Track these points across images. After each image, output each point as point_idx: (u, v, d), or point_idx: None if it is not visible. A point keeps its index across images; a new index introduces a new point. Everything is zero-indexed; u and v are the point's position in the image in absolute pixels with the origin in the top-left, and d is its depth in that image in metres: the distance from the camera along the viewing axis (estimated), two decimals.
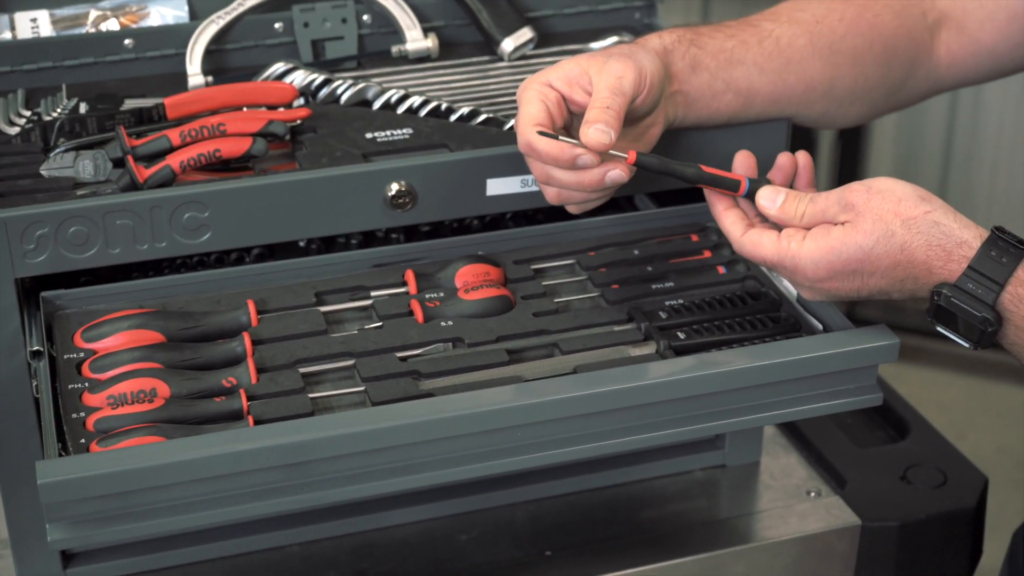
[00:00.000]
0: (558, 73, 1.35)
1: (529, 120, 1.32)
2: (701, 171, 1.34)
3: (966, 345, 1.28)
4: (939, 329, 1.28)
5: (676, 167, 1.33)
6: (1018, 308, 1.24)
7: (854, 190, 1.27)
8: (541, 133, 1.30)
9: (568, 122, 1.36)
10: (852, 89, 1.52)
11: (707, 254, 1.48)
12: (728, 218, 1.34)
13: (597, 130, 1.29)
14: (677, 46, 1.43)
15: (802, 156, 1.40)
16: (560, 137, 1.30)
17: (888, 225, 1.25)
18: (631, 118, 1.36)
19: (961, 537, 1.59)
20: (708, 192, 1.35)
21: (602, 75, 1.33)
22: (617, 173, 1.31)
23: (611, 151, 1.30)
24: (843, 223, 1.27)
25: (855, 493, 1.59)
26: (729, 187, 1.34)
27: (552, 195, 1.35)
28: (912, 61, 1.54)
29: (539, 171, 1.34)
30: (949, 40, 1.55)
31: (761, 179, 1.35)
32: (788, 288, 1.41)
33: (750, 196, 1.34)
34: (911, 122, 3.89)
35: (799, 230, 1.29)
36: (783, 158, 1.39)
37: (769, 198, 1.32)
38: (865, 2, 1.52)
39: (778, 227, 1.32)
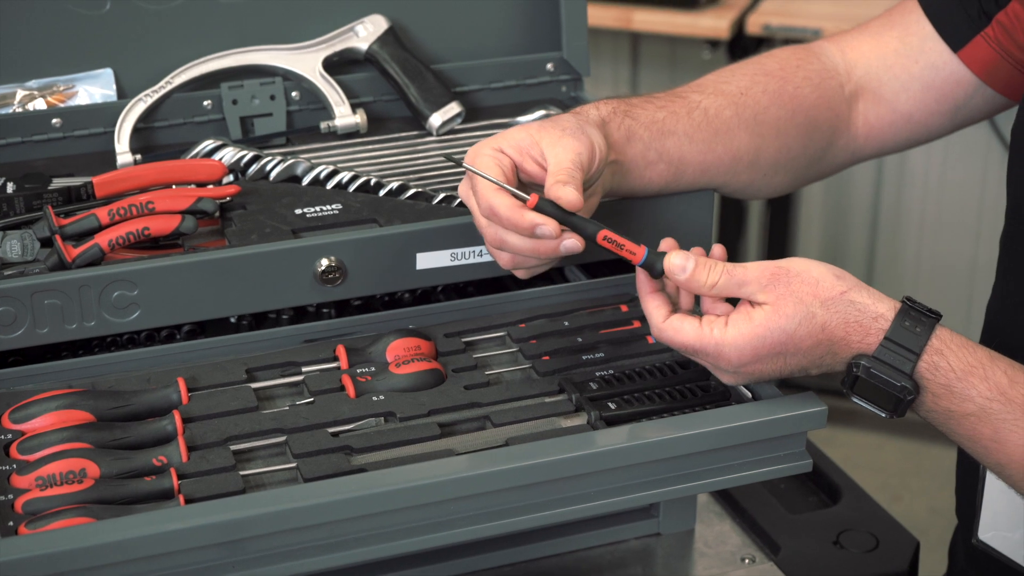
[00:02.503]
0: (509, 141, 1.36)
1: (489, 183, 1.32)
2: (600, 227, 1.33)
3: (883, 415, 1.30)
4: (855, 400, 1.30)
5: (577, 221, 1.32)
6: (934, 376, 1.27)
7: (773, 273, 1.29)
8: (505, 187, 1.31)
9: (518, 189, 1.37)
10: (776, 159, 1.54)
11: (636, 324, 1.49)
12: (652, 302, 1.34)
13: (570, 189, 1.30)
14: (613, 117, 1.45)
15: (716, 248, 1.38)
16: (521, 194, 1.31)
17: (808, 307, 1.27)
18: None
19: None
20: (638, 273, 1.35)
21: (558, 148, 1.34)
22: (572, 243, 1.32)
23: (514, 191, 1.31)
24: (761, 304, 1.29)
25: (789, 559, 1.59)
26: (628, 251, 1.33)
27: (505, 260, 1.36)
28: (832, 131, 1.57)
29: (493, 237, 1.34)
30: (866, 111, 1.58)
31: (662, 254, 1.34)
32: None
33: (647, 267, 1.33)
34: (839, 190, 3.95)
35: (720, 317, 1.30)
36: (695, 250, 1.38)
37: (679, 264, 1.31)
38: (785, 75, 1.55)
39: (699, 315, 1.32)
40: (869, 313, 1.28)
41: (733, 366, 1.30)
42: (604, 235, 1.33)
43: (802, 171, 1.58)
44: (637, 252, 1.33)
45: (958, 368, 1.28)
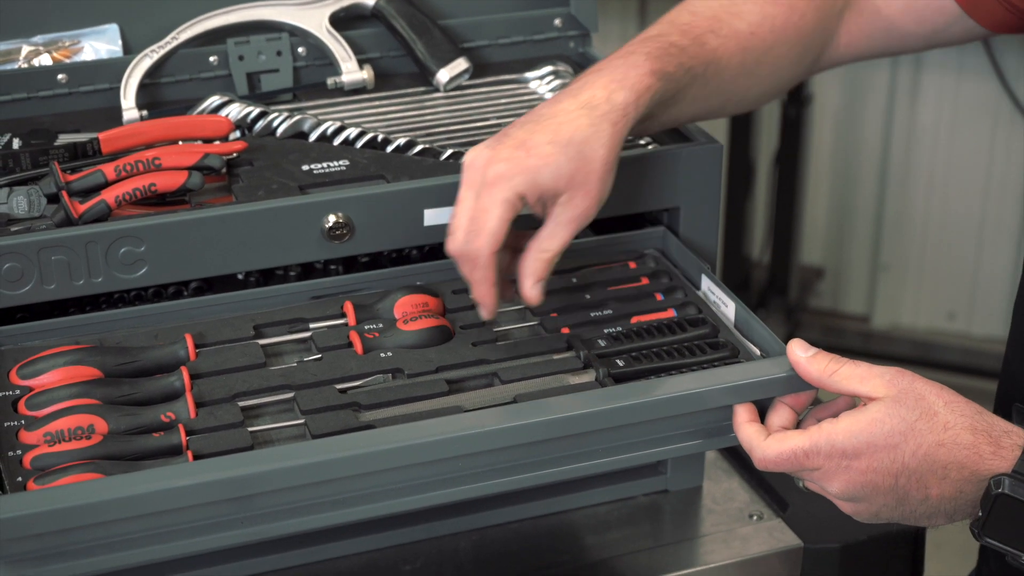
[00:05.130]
0: (537, 191, 1.30)
1: (494, 242, 1.29)
2: None
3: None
4: (989, 542, 1.19)
5: None
6: None
7: (897, 370, 1.22)
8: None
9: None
10: (763, 92, 1.55)
11: (645, 281, 1.48)
12: (750, 428, 1.27)
13: (536, 288, 1.33)
14: (648, 109, 1.38)
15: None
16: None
17: (931, 404, 1.20)
18: None
19: (902, 557, 1.60)
20: (735, 406, 1.29)
21: (566, 216, 1.31)
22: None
23: None
24: (880, 399, 1.21)
25: (797, 516, 1.59)
26: None
27: None
28: (821, 49, 1.56)
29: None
30: (849, 21, 1.56)
31: None
32: (727, 315, 1.42)
33: None
34: (847, 148, 3.94)
35: (829, 418, 1.23)
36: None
37: (801, 345, 1.26)
38: (793, 1, 1.52)
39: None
40: (999, 426, 1.19)
41: (847, 458, 1.20)
42: None
43: (785, 89, 1.59)
44: None
45: None
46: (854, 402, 1.25)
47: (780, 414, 1.28)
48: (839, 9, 1.55)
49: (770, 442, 1.24)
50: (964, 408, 1.20)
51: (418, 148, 1.55)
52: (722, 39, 1.48)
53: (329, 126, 1.57)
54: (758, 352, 1.37)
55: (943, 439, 1.19)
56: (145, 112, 1.60)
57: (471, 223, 1.29)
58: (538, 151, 1.31)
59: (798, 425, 1.28)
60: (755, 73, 1.51)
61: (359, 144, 1.55)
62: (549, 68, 1.72)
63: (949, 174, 3.86)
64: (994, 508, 1.17)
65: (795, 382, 1.27)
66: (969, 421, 1.19)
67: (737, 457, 1.69)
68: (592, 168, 1.32)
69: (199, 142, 1.53)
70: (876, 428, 1.19)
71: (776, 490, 1.62)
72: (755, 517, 1.60)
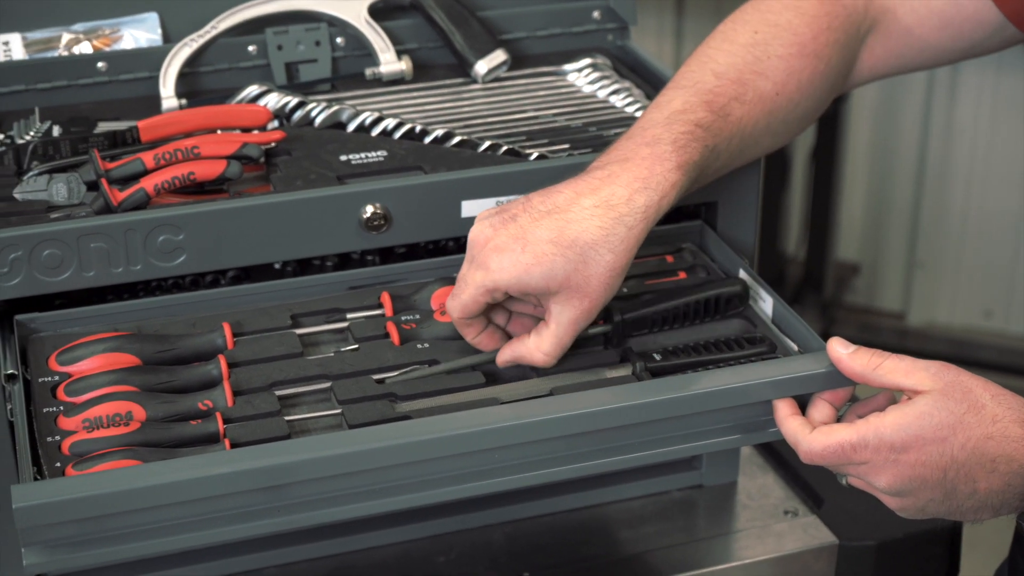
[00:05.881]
0: (521, 288, 1.28)
1: (461, 309, 1.31)
2: None
3: None
4: None
5: None
6: None
7: (941, 364, 1.22)
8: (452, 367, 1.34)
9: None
10: (787, 137, 1.50)
11: (682, 275, 1.48)
12: (793, 423, 1.26)
13: (512, 362, 1.33)
14: (667, 199, 1.31)
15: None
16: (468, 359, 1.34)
17: (978, 397, 1.19)
18: None
19: (938, 556, 1.59)
20: (775, 401, 1.28)
21: (564, 317, 1.29)
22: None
23: None
24: (927, 392, 1.20)
25: (832, 512, 1.59)
26: None
27: None
28: (844, 80, 1.52)
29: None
30: (874, 44, 1.50)
31: None
32: (764, 310, 1.41)
33: None
34: (885, 143, 3.92)
35: (875, 412, 1.23)
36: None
37: (841, 342, 1.25)
38: (817, 49, 1.45)
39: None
40: None
41: (896, 452, 1.20)
42: None
43: (804, 128, 1.54)
44: None
45: None
46: (894, 397, 1.25)
47: (820, 409, 1.27)
48: (862, 34, 1.51)
49: (816, 435, 1.23)
50: (1011, 401, 1.20)
51: (456, 139, 1.54)
52: (747, 106, 1.41)
53: (367, 117, 1.57)
54: (795, 348, 1.36)
55: (991, 432, 1.18)
56: (184, 101, 1.61)
57: (456, 285, 1.31)
58: (534, 249, 1.26)
59: (838, 421, 1.27)
60: (782, 131, 1.47)
61: (397, 135, 1.55)
62: (587, 61, 1.72)
63: (987, 171, 3.83)
64: None
65: (834, 378, 1.27)
66: (1017, 414, 1.19)
67: (772, 453, 1.68)
68: (593, 272, 1.27)
69: (238, 131, 1.53)
70: (924, 421, 1.19)
71: (812, 486, 1.62)
72: (790, 513, 1.60)
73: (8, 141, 1.51)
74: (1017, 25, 1.48)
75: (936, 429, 1.19)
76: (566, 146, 1.55)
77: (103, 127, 1.53)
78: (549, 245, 1.26)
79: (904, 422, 1.19)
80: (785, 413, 1.27)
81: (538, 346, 1.31)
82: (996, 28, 1.49)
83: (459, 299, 1.31)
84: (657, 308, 1.38)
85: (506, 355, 1.33)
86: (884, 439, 1.20)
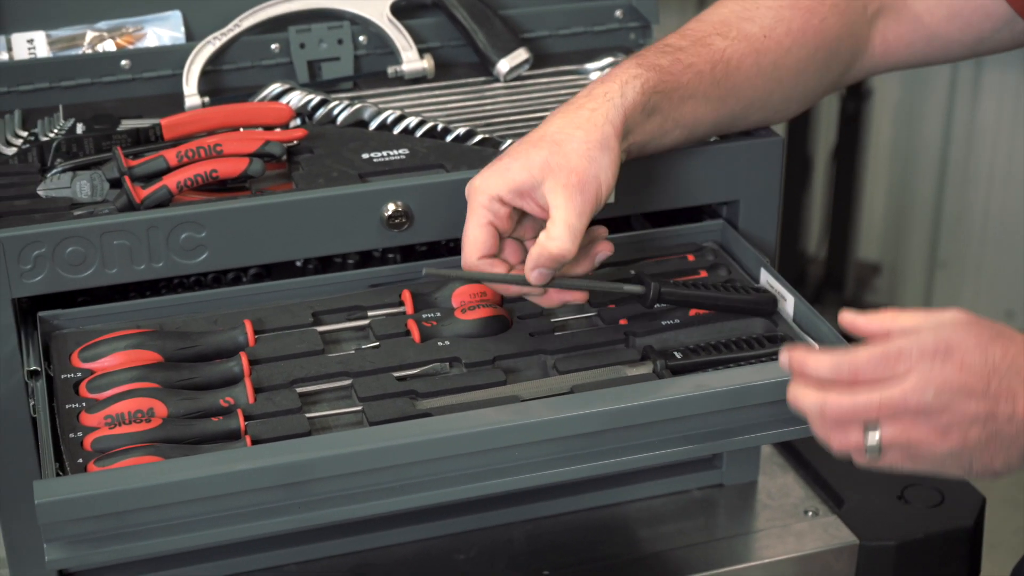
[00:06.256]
0: (508, 185, 1.32)
1: (474, 249, 1.33)
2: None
3: None
4: None
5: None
6: None
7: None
8: (477, 278, 1.34)
9: (518, 221, 1.36)
10: (789, 98, 1.50)
11: (703, 274, 1.48)
12: (822, 354, 1.19)
13: (539, 275, 1.31)
14: (639, 99, 1.38)
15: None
16: (497, 276, 1.33)
17: (1009, 328, 1.17)
18: None
19: (959, 556, 1.59)
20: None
21: (561, 206, 1.30)
22: (576, 297, 1.35)
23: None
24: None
25: (853, 512, 1.59)
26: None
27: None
28: (851, 57, 1.52)
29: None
30: (886, 29, 1.52)
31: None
32: (785, 309, 1.41)
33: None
34: (906, 143, 3.90)
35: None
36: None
37: (852, 311, 1.21)
38: (812, 6, 1.49)
39: None
40: None
41: (939, 357, 1.14)
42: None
43: (815, 98, 1.55)
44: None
45: None
46: None
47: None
48: (869, 16, 1.52)
49: (858, 350, 1.16)
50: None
51: (477, 138, 1.55)
52: (730, 40, 1.46)
53: (389, 115, 1.57)
54: (816, 346, 1.36)
55: (1003, 341, 1.15)
56: (207, 99, 1.61)
57: (462, 242, 1.34)
58: (509, 152, 1.34)
59: None
60: (775, 76, 1.48)
61: (419, 133, 1.56)
62: (609, 59, 1.72)
63: (1009, 171, 3.82)
64: None
65: None
66: None
67: (793, 452, 1.68)
68: (570, 149, 1.31)
69: (260, 129, 1.53)
70: (961, 329, 1.15)
71: (832, 486, 1.62)
72: (810, 513, 1.60)
73: (32, 138, 1.52)
74: (1021, 13, 1.48)
75: (976, 335, 1.15)
76: None
77: (126, 125, 1.54)
78: (521, 145, 1.35)
79: (942, 331, 1.14)
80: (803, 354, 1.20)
81: (547, 236, 1.30)
82: (1005, 21, 1.50)
83: (466, 242, 1.33)
84: (693, 292, 1.37)
85: (528, 264, 1.31)
86: (926, 346, 1.14)
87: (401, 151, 1.51)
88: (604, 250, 1.37)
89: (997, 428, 1.16)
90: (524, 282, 1.32)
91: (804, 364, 1.18)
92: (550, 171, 1.31)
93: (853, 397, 1.15)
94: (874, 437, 1.16)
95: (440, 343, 1.37)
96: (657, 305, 1.40)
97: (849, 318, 1.20)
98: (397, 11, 1.70)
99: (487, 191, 1.33)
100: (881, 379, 1.15)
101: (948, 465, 1.18)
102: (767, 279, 1.44)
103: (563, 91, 1.68)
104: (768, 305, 1.39)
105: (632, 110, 1.37)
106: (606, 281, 1.37)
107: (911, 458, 1.17)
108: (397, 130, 1.56)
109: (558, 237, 1.30)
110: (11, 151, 1.50)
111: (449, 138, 1.55)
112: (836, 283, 3.91)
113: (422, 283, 1.45)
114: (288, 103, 1.59)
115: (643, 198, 1.47)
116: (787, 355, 1.19)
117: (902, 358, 1.15)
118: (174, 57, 1.64)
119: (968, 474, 1.19)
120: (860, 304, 4.01)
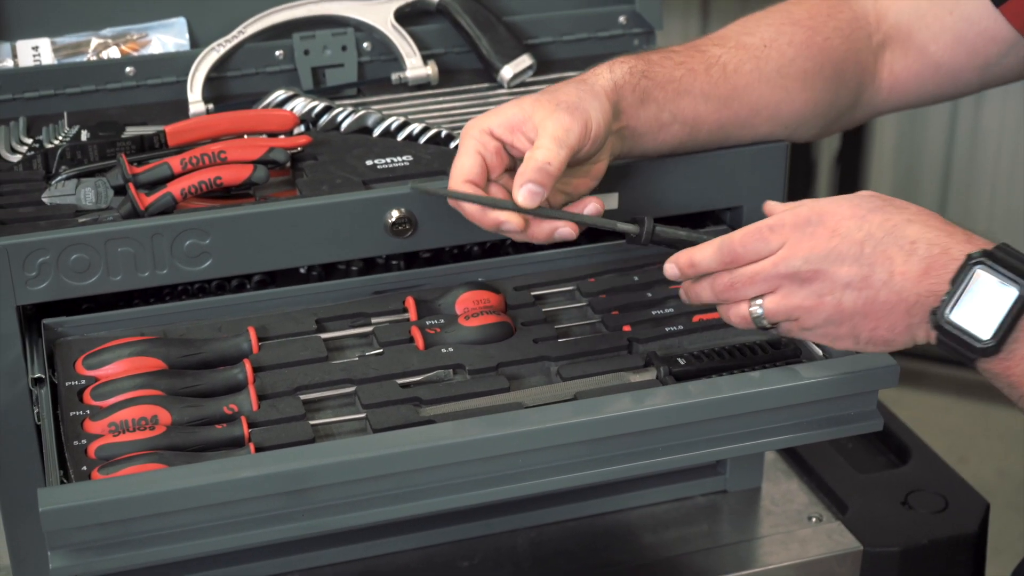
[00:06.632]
0: (500, 119, 1.34)
1: (461, 174, 1.33)
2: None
3: (979, 342, 1.15)
4: (950, 321, 1.15)
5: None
6: None
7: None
8: (464, 197, 1.31)
9: (511, 165, 1.35)
10: (801, 112, 1.50)
11: None
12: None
13: (527, 191, 1.29)
14: (628, 79, 1.41)
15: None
16: (484, 198, 1.31)
17: (903, 202, 1.22)
18: (573, 162, 1.34)
19: (963, 562, 1.59)
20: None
21: (548, 122, 1.31)
22: (566, 231, 1.32)
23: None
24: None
25: (856, 518, 1.59)
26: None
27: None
28: (859, 85, 1.52)
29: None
30: (893, 61, 1.53)
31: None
32: None
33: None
34: (911, 139, 3.90)
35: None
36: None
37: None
38: (814, 25, 1.50)
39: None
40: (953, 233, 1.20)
41: (812, 225, 1.20)
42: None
43: (830, 123, 1.55)
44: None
45: None
46: None
47: None
48: (875, 46, 1.52)
49: (735, 232, 1.24)
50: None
51: None
52: (726, 49, 1.47)
53: (393, 121, 1.57)
54: (820, 353, 1.36)
55: (914, 218, 1.20)
56: (211, 106, 1.62)
57: (451, 171, 1.34)
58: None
59: None
60: (781, 84, 1.48)
61: (423, 140, 1.56)
62: None
63: (1013, 176, 3.81)
64: (967, 283, 1.15)
65: (858, 380, 1.27)
66: (941, 222, 1.20)
67: (797, 458, 1.68)
68: (560, 91, 1.35)
69: (264, 136, 1.54)
70: (843, 202, 1.21)
71: (836, 492, 1.62)
72: (814, 519, 1.60)
73: (37, 145, 1.52)
74: None
75: (854, 208, 1.20)
76: None
77: (131, 132, 1.54)
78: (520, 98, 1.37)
79: (821, 202, 1.21)
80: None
81: (534, 148, 1.30)
82: (1010, 44, 1.50)
83: (455, 166, 1.33)
84: (690, 233, 1.35)
85: (516, 183, 1.30)
86: (800, 215, 1.21)
87: (405, 158, 1.51)
88: (593, 202, 1.35)
89: (873, 294, 1.19)
90: (513, 207, 1.30)
91: (691, 260, 1.27)
92: (540, 104, 1.33)
93: (731, 272, 1.24)
94: (757, 307, 1.25)
95: (444, 350, 1.37)
96: (656, 311, 1.40)
97: (771, 206, 1.27)
98: (401, 17, 1.70)
99: (478, 126, 1.34)
100: (760, 253, 1.23)
101: (835, 335, 1.23)
102: None
103: None
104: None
105: (621, 86, 1.39)
106: (599, 218, 1.35)
107: (801, 328, 1.24)
108: (401, 137, 1.56)
109: (544, 146, 1.30)
110: (16, 158, 1.51)
111: (453, 144, 1.55)
112: None
113: (426, 290, 1.45)
114: (292, 110, 1.59)
115: (646, 203, 1.47)
116: (672, 262, 1.29)
117: (775, 230, 1.22)
118: (178, 64, 1.64)
119: (858, 346, 1.24)
120: None
